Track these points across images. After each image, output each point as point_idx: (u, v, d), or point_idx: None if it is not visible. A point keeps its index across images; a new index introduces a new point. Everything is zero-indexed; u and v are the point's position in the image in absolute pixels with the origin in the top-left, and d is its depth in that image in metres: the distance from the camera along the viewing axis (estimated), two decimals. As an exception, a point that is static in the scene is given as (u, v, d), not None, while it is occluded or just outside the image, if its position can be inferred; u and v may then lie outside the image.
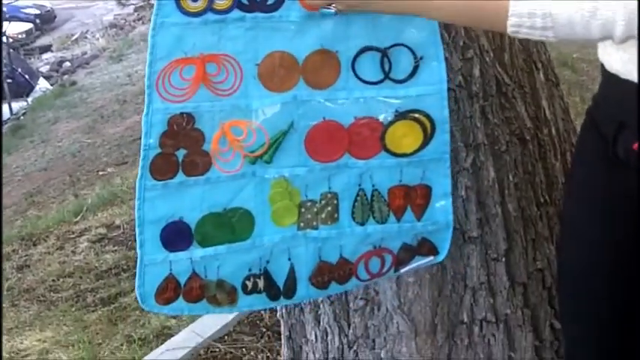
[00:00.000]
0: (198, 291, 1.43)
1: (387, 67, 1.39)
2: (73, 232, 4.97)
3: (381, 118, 1.42)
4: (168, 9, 1.27)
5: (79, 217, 5.34)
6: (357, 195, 1.47)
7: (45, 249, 4.79)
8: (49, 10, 22.04)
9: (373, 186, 1.46)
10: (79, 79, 15.22)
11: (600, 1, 0.92)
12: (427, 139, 1.44)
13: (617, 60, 1.10)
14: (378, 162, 1.45)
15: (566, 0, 0.95)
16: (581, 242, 1.33)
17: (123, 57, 15.48)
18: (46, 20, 21.64)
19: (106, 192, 6.06)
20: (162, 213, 1.38)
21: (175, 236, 1.39)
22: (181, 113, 1.33)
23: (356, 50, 1.37)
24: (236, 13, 1.30)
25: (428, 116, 1.43)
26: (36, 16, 21.27)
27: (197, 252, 1.41)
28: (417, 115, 1.42)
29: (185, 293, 1.42)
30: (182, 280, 1.42)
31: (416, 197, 1.48)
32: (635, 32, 0.93)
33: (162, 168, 1.35)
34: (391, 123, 1.42)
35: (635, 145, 1.03)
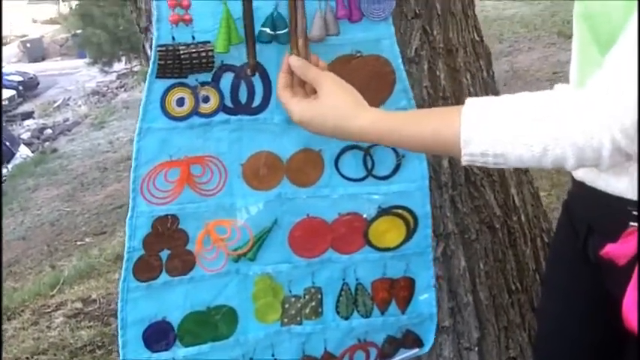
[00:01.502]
0: (182, 389, 1.41)
1: (369, 165, 1.42)
2: (49, 307, 4.90)
3: (365, 214, 1.44)
4: (153, 114, 1.28)
5: (55, 290, 5.27)
6: (342, 289, 1.48)
7: (20, 324, 4.71)
8: (32, 77, 22.17)
9: (357, 280, 1.48)
10: (60, 146, 15.22)
11: (550, 139, 0.93)
12: (410, 233, 1.47)
13: (580, 169, 1.13)
14: (361, 256, 1.46)
15: (517, 139, 0.96)
16: (560, 338, 1.35)
17: (104, 124, 15.53)
18: (29, 87, 21.74)
19: (83, 263, 6.01)
20: (146, 313, 1.37)
21: (158, 336, 1.38)
22: (166, 215, 1.33)
23: (339, 149, 1.40)
24: (221, 116, 1.32)
25: (410, 211, 1.46)
26: (19, 83, 21.38)
27: (180, 352, 1.40)
28: (399, 211, 1.45)
29: (169, 392, 1.41)
30: (166, 379, 1.40)
31: (400, 290, 1.50)
32: (586, 163, 0.94)
33: (146, 269, 1.35)
34: (374, 219, 1.44)
35: (603, 252, 1.05)
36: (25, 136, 17.44)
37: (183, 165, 1.31)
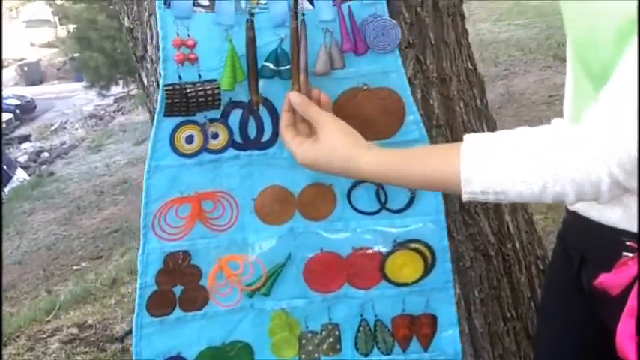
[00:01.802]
0: None
1: (382, 198, 1.42)
2: (45, 332, 4.88)
3: (380, 248, 1.43)
4: (162, 152, 1.30)
5: (51, 315, 5.26)
6: (360, 325, 1.47)
7: (15, 350, 4.69)
8: (29, 101, 22.22)
9: (376, 315, 1.46)
10: (57, 170, 15.21)
11: (549, 177, 0.94)
12: (428, 268, 1.46)
13: None
14: (379, 292, 1.45)
15: (516, 177, 0.97)
16: None
17: (101, 147, 15.54)
18: (26, 110, 21.78)
19: (79, 288, 5.99)
20: (160, 349, 1.37)
21: None
22: (177, 251, 1.34)
23: (350, 183, 1.40)
24: (231, 152, 1.33)
25: (427, 246, 1.45)
26: (16, 106, 21.42)
27: (197, 386, 1.40)
28: (416, 245, 1.44)
29: None
30: (180, 415, 1.40)
31: (421, 326, 1.48)
32: (586, 198, 0.95)
33: (159, 304, 1.35)
34: (390, 253, 1.43)
35: (597, 282, 1.05)
36: (22, 159, 17.43)
37: (194, 201, 1.32)
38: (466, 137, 1.03)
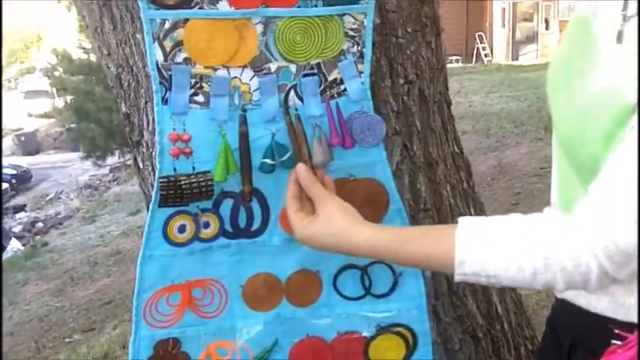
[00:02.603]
0: None
1: (367, 283, 1.46)
2: (37, 406, 4.84)
3: (364, 333, 1.47)
4: (156, 242, 1.34)
5: (41, 393, 5.20)
6: (348, 407, 1.49)
7: None
8: (25, 170, 22.27)
9: (361, 399, 1.49)
10: (51, 240, 15.15)
11: (540, 265, 0.98)
12: (410, 351, 1.50)
13: None
14: (363, 375, 1.48)
15: (508, 263, 1.00)
16: None
17: (96, 218, 15.51)
18: (21, 180, 21.81)
19: (71, 362, 5.94)
20: None
21: None
22: (167, 338, 1.37)
23: (336, 269, 1.44)
24: (221, 241, 1.37)
25: (409, 329, 1.48)
26: (12, 176, 21.46)
27: None
28: (398, 329, 1.48)
29: None
30: None
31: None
32: (575, 286, 0.99)
33: (148, 390, 1.37)
34: (373, 337, 1.48)
35: None
36: (17, 229, 17.38)
37: (185, 289, 1.36)
38: (460, 221, 1.07)
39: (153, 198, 1.31)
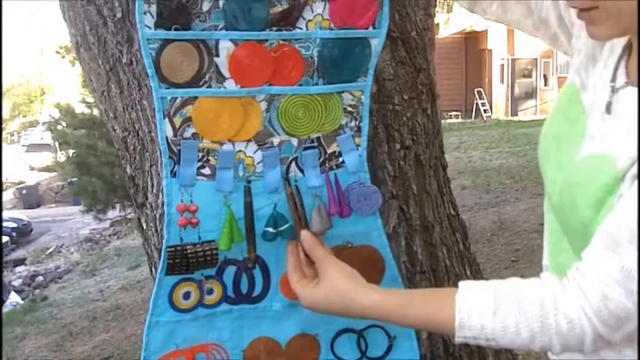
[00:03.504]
0: None
1: (363, 347, 1.51)
2: None
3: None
4: (162, 308, 1.39)
5: None
6: None
7: None
8: (25, 224, 22.25)
9: None
10: (51, 294, 15.09)
11: (537, 328, 1.03)
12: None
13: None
14: None
15: (507, 327, 1.05)
16: None
17: (96, 272, 15.48)
18: (22, 234, 21.78)
19: (68, 422, 5.90)
20: None
21: None
22: (171, 403, 1.41)
23: (334, 333, 1.49)
24: (224, 307, 1.43)
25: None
26: (12, 229, 21.43)
27: None
28: (393, 391, 1.52)
29: None
30: None
31: None
32: (571, 349, 1.03)
33: None
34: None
35: None
36: (17, 283, 17.31)
37: (189, 354, 1.40)
38: (460, 285, 1.12)
39: (160, 267, 1.37)
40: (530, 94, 24.55)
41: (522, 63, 24.34)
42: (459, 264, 2.09)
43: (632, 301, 0.96)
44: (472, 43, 23.42)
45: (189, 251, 1.35)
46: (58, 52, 20.99)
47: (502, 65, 24.05)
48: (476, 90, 23.35)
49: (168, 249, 1.34)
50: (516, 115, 23.68)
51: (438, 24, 18.85)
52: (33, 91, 42.42)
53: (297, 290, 1.29)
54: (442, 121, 2.16)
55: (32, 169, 30.94)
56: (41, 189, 27.25)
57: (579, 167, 1.10)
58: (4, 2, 9.87)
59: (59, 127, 17.32)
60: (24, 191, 27.30)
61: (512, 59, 23.93)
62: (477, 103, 23.42)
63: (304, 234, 1.34)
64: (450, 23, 20.95)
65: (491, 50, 23.35)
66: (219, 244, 1.37)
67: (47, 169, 24.49)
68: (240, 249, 1.41)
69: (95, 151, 15.89)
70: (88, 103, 16.51)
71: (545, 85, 24.48)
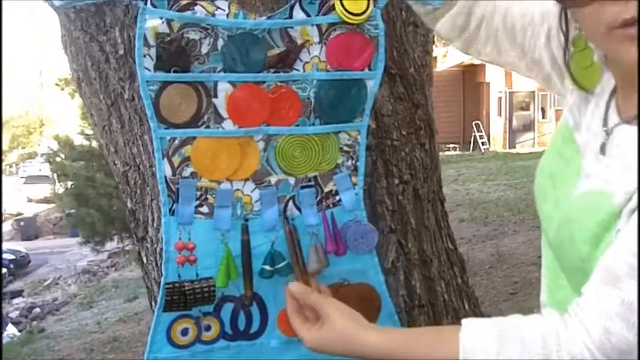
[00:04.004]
0: None
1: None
2: None
3: None
4: (160, 344, 1.41)
5: None
6: None
7: None
8: (23, 256, 22.20)
9: None
10: (48, 326, 15.02)
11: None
12: None
13: None
14: None
15: (510, 358, 1.04)
16: None
17: (93, 304, 15.42)
18: (20, 265, 21.72)
19: None
20: None
21: None
22: None
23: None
24: (222, 343, 1.44)
25: None
26: (10, 261, 21.37)
27: None
28: None
29: None
30: None
31: None
32: None
33: None
34: None
35: None
36: (14, 314, 17.22)
37: (188, 386, 1.42)
38: (463, 323, 1.12)
39: (158, 303, 1.38)
40: (528, 126, 24.65)
41: (520, 96, 24.46)
42: (457, 298, 2.10)
43: (634, 333, 0.97)
44: (470, 76, 23.55)
45: (187, 288, 1.36)
46: (57, 85, 21.09)
47: (500, 98, 24.17)
48: (474, 122, 23.44)
49: (167, 286, 1.36)
50: (514, 147, 23.75)
51: (436, 57, 19.00)
52: (32, 122, 42.60)
53: (301, 334, 1.29)
54: (440, 154, 2.19)
55: (30, 200, 30.94)
56: (39, 221, 27.23)
57: (576, 204, 1.11)
58: (4, 2, 9.78)
59: (58, 159, 17.35)
60: (22, 223, 27.26)
61: (509, 92, 24.05)
62: (474, 136, 23.49)
63: (294, 287, 1.33)
64: (448, 56, 21.15)
65: (489, 83, 23.48)
66: (216, 281, 1.39)
67: (45, 200, 24.51)
68: (238, 286, 1.43)
69: (93, 182, 15.90)
70: (87, 135, 16.56)
71: (543, 117, 24.59)
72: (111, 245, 18.09)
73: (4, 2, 6.93)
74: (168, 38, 1.31)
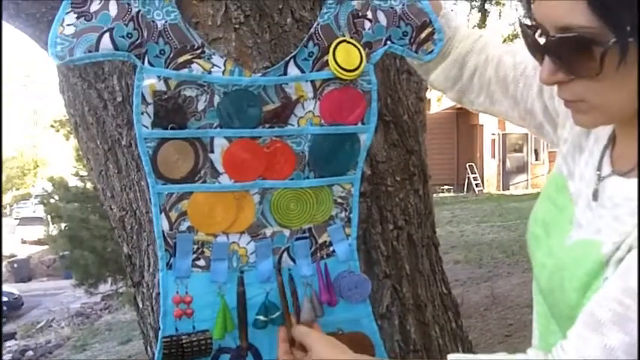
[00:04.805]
0: None
1: None
2: None
3: None
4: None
5: None
6: None
7: None
8: (16, 298, 22.03)
9: None
10: (40, 370, 14.89)
11: None
12: None
13: None
14: None
15: None
16: None
17: (87, 347, 15.29)
18: (13, 307, 21.55)
19: None
20: None
21: None
22: None
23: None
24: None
25: None
26: (3, 303, 21.22)
27: None
28: None
29: None
30: None
31: None
32: None
33: None
34: None
35: None
36: (7, 357, 17.04)
37: None
38: (450, 358, 1.13)
39: (156, 357, 1.40)
40: (522, 168, 24.78)
41: (513, 138, 24.62)
42: (452, 342, 2.12)
43: None
44: (463, 118, 23.70)
45: (184, 341, 1.38)
46: (52, 126, 21.17)
47: (493, 140, 24.32)
48: (468, 164, 23.55)
49: (164, 339, 1.38)
50: (508, 189, 23.84)
51: (430, 100, 19.15)
52: (26, 164, 42.59)
53: None
54: (435, 195, 2.22)
55: (24, 242, 30.80)
56: (33, 262, 27.09)
57: (567, 253, 1.13)
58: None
59: (52, 201, 17.31)
60: (15, 265, 27.12)
61: (503, 134, 24.21)
62: (468, 178, 23.58)
63: (281, 329, 1.39)
64: (442, 99, 21.29)
65: (482, 125, 23.63)
66: (213, 333, 1.41)
67: (39, 242, 24.41)
68: (234, 337, 1.44)
69: (87, 224, 15.84)
70: (81, 176, 16.55)
71: (537, 159, 24.75)
72: (104, 287, 17.99)
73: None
74: (166, 96, 1.34)
